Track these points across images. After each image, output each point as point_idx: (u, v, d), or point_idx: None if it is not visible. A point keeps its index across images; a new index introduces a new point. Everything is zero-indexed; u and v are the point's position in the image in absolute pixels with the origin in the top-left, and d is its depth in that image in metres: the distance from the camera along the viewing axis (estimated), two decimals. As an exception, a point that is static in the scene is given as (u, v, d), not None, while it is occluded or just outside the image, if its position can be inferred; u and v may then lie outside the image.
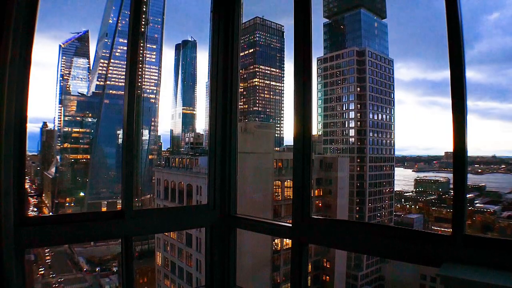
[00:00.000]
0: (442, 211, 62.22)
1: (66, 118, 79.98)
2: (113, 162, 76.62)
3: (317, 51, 67.22)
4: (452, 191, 2.57)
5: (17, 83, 2.76)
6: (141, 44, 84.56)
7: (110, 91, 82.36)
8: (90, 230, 3.22)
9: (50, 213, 67.56)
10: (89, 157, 78.30)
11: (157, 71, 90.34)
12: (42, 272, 51.09)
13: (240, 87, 4.33)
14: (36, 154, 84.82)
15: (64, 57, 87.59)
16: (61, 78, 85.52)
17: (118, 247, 44.48)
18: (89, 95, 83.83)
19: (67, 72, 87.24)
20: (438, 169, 76.43)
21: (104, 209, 66.73)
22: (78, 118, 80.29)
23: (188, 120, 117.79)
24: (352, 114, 59.27)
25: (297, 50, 3.40)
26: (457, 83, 2.48)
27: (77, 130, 79.47)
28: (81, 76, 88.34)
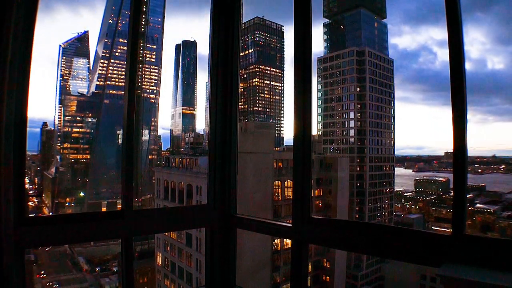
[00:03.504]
0: (442, 211, 62.31)
1: (66, 118, 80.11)
2: (113, 162, 76.71)
3: (317, 51, 67.35)
4: (452, 191, 2.56)
5: (17, 83, 2.75)
6: (141, 44, 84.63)
7: (110, 91, 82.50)
8: (90, 230, 3.22)
9: (50, 213, 67.62)
10: (89, 157, 78.40)
11: (157, 71, 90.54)
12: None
13: (240, 87, 4.32)
14: (36, 154, 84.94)
15: (64, 57, 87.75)
16: (61, 78, 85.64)
17: (118, 247, 44.52)
18: (89, 95, 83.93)
19: (67, 72, 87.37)
20: (438, 169, 76.44)
21: (104, 209, 66.84)
22: (78, 118, 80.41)
23: (188, 120, 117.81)
24: (352, 114, 59.32)
25: (297, 50, 3.39)
26: (457, 82, 2.48)
27: (77, 130, 79.59)
28: (81, 76, 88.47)
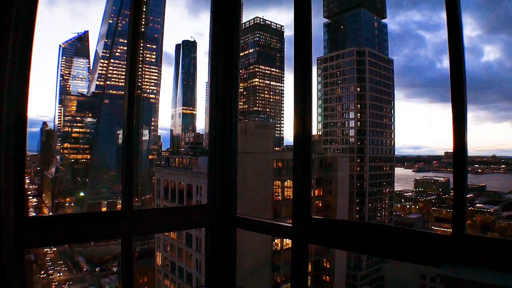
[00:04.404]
0: (442, 211, 62.32)
1: (66, 118, 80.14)
2: (113, 162, 76.74)
3: (317, 51, 67.30)
4: (452, 191, 2.56)
5: (17, 83, 2.75)
6: (141, 44, 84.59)
7: (110, 91, 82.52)
8: (90, 230, 3.22)
9: (50, 213, 67.60)
10: (89, 157, 78.41)
11: (157, 71, 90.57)
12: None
13: (240, 87, 4.32)
14: (36, 154, 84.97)
15: (64, 57, 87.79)
16: (61, 78, 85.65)
17: (118, 247, 44.49)
18: (89, 95, 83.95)
19: (67, 72, 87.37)
20: (438, 169, 76.38)
21: (104, 209, 66.87)
22: (78, 118, 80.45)
23: (188, 120, 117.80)
24: (352, 114, 59.34)
25: (297, 50, 3.40)
26: (457, 81, 2.48)
27: (77, 130, 79.62)
28: (81, 76, 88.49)
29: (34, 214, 53.59)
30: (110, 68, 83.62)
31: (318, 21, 68.42)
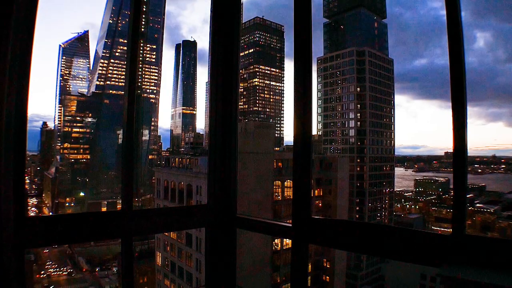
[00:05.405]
0: (442, 211, 62.33)
1: (66, 118, 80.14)
2: (113, 162, 76.74)
3: (317, 51, 67.31)
4: (452, 191, 2.56)
5: (17, 83, 2.75)
6: (141, 44, 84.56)
7: (110, 91, 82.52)
8: (90, 230, 3.22)
9: (50, 213, 67.60)
10: (89, 157, 78.42)
11: (157, 71, 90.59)
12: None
13: (240, 87, 4.32)
14: (36, 154, 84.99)
15: (64, 57, 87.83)
16: (61, 78, 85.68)
17: (118, 247, 44.48)
18: (89, 95, 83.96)
19: (67, 72, 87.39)
20: (438, 169, 76.41)
21: (104, 209, 66.89)
22: (78, 118, 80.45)
23: (188, 120, 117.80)
24: (352, 114, 59.34)
25: (297, 50, 3.40)
26: (457, 82, 2.48)
27: (77, 130, 79.62)
28: (81, 76, 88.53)
29: (34, 214, 53.59)
30: (110, 68, 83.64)
31: (318, 21, 68.42)
